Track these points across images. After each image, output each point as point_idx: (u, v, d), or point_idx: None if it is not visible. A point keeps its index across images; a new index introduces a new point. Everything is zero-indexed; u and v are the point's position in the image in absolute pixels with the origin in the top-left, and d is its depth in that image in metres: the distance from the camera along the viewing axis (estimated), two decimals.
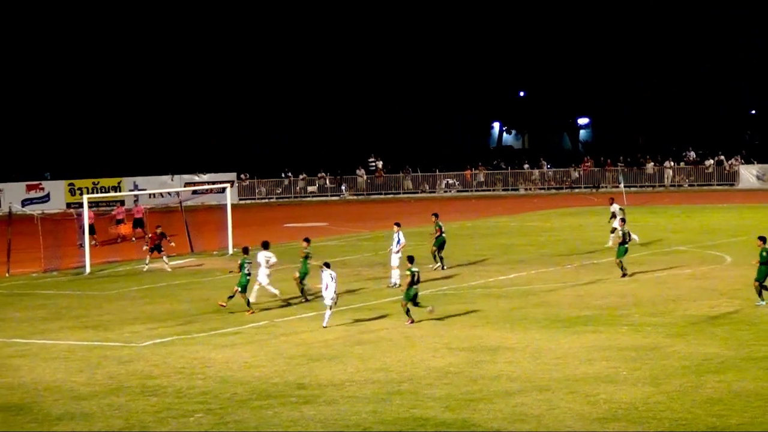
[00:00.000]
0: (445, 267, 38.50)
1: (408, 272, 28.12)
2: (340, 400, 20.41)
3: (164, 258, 40.91)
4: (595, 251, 42.53)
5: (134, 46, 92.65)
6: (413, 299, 28.09)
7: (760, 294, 29.16)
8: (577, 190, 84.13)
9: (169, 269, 40.70)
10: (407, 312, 28.10)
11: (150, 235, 42.77)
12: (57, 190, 79.54)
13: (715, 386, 20.67)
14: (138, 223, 54.16)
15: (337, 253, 43.63)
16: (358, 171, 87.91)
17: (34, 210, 61.81)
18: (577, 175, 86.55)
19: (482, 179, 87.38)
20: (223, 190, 60.18)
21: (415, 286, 28.11)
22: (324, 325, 27.63)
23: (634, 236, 36.98)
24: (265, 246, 31.71)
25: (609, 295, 32.05)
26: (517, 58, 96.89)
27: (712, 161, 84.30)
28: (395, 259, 34.15)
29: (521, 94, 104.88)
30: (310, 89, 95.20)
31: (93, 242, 47.91)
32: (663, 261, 39.53)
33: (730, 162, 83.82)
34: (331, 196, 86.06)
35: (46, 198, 78.73)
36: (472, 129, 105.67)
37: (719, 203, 67.21)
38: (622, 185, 74.41)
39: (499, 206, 71.57)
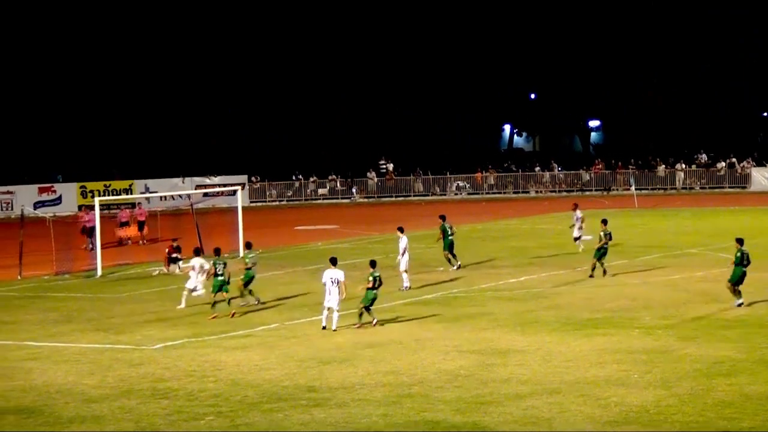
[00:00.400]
0: (456, 266, 38.63)
1: (370, 277, 28.18)
2: (350, 403, 20.40)
3: (179, 263, 40.96)
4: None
5: (147, 49, 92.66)
6: (370, 304, 28.14)
7: (735, 293, 29.37)
8: (588, 193, 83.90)
9: (180, 272, 40.72)
10: (360, 315, 28.15)
11: (167, 249, 42.72)
12: (69, 193, 79.65)
13: (726, 389, 20.62)
14: (139, 226, 54.52)
15: (348, 255, 43.56)
16: (368, 173, 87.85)
17: (46, 212, 61.88)
18: (588, 178, 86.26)
19: (493, 182, 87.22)
20: (234, 192, 60.24)
21: (374, 291, 28.15)
22: (333, 328, 27.65)
23: (586, 237, 41.49)
24: (197, 253, 33.54)
25: (620, 297, 32.00)
26: (528, 61, 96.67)
27: (723, 164, 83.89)
28: (403, 263, 34.42)
29: (532, 96, 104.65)
30: (320, 92, 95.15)
31: (90, 245, 47.96)
32: (674, 264, 39.49)
33: (742, 164, 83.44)
34: (342, 198, 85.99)
35: (57, 200, 78.82)
36: (483, 131, 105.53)
37: (731, 206, 66.97)
38: (633, 188, 74.24)
39: (509, 209, 71.45)
